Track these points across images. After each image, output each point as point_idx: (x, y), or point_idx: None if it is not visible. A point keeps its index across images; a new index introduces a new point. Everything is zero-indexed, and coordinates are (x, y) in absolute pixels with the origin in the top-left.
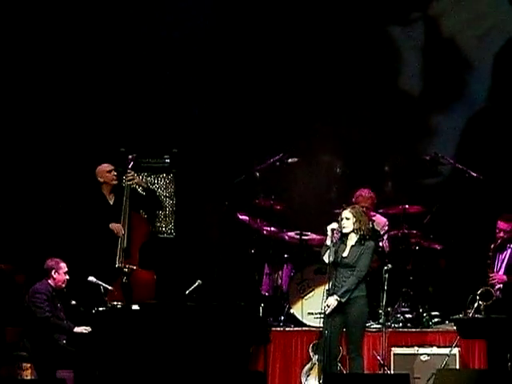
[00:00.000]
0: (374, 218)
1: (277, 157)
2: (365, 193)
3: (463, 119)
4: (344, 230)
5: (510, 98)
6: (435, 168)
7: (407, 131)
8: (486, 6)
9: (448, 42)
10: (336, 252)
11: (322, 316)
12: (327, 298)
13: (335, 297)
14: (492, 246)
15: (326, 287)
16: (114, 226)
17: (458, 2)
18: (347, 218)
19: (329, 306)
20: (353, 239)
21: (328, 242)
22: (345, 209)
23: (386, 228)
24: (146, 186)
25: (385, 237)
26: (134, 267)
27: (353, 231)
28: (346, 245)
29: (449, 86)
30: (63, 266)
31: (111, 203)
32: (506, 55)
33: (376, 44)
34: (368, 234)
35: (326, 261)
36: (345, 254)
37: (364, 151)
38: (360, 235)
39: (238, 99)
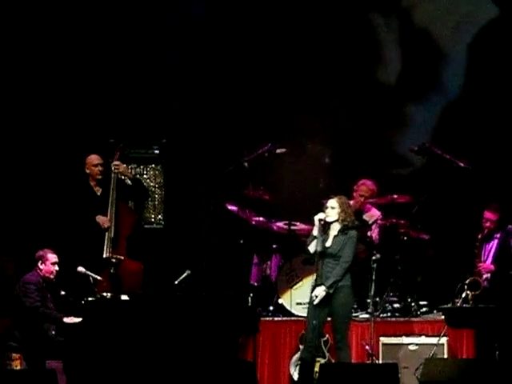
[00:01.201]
0: (369, 211)
1: (265, 147)
2: (369, 184)
3: (438, 109)
4: (328, 219)
5: (485, 87)
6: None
7: (386, 121)
8: None
9: (422, 33)
10: (321, 242)
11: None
12: (314, 289)
13: (323, 287)
14: (479, 235)
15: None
16: (99, 218)
17: None
18: (332, 208)
19: (317, 297)
20: (335, 229)
21: (315, 233)
22: (331, 198)
23: (379, 221)
24: (131, 175)
25: (374, 227)
26: (122, 257)
27: (336, 221)
28: (328, 235)
29: (424, 76)
30: (51, 257)
31: (98, 194)
32: (479, 44)
33: (357, 34)
34: (352, 225)
35: (311, 251)
36: (328, 244)
37: (352, 141)
38: (343, 225)
39: (227, 90)
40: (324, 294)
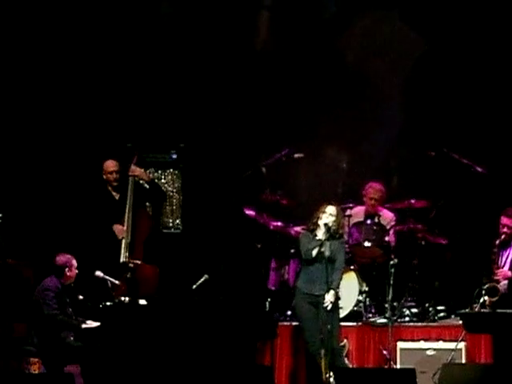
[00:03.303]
0: (381, 213)
1: (283, 152)
2: (375, 185)
3: None
4: (321, 222)
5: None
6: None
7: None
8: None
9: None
10: (320, 246)
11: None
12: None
13: (332, 292)
14: (496, 241)
15: None
16: (116, 228)
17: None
18: (331, 215)
19: (332, 302)
20: (320, 234)
21: (321, 237)
22: (331, 204)
23: (393, 223)
24: (148, 178)
25: (391, 231)
26: (139, 262)
27: (326, 226)
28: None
29: None
30: (75, 262)
31: (117, 198)
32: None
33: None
34: (340, 235)
35: (314, 255)
36: (324, 249)
37: (370, 146)
38: (331, 232)
39: (245, 94)
40: (334, 298)
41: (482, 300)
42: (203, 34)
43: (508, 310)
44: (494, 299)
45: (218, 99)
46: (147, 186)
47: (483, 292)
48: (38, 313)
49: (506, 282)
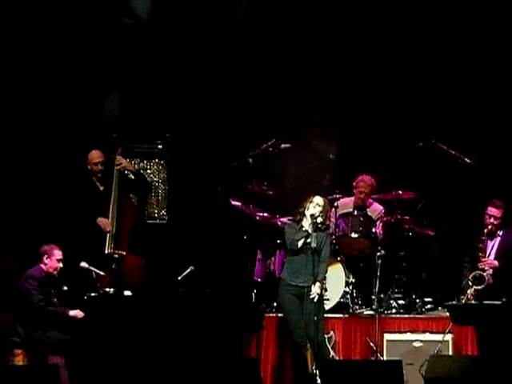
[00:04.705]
0: (370, 206)
1: (269, 143)
2: (367, 179)
3: None
4: (307, 213)
5: None
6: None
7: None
8: None
9: None
10: (305, 238)
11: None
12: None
13: (318, 284)
14: (484, 231)
15: None
16: (101, 221)
17: None
18: (318, 205)
19: (318, 294)
20: (306, 225)
21: (308, 228)
22: (317, 195)
23: (382, 216)
24: (134, 169)
25: (378, 223)
26: (124, 253)
27: (312, 217)
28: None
29: None
30: (57, 253)
31: (101, 189)
32: None
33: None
34: (325, 226)
35: (299, 246)
36: (310, 240)
37: (357, 137)
38: (317, 224)
39: (232, 85)
40: (320, 290)
41: (469, 292)
42: (188, 24)
43: (494, 302)
44: (480, 287)
45: (204, 89)
46: (133, 177)
47: (469, 281)
48: (23, 303)
49: (491, 271)
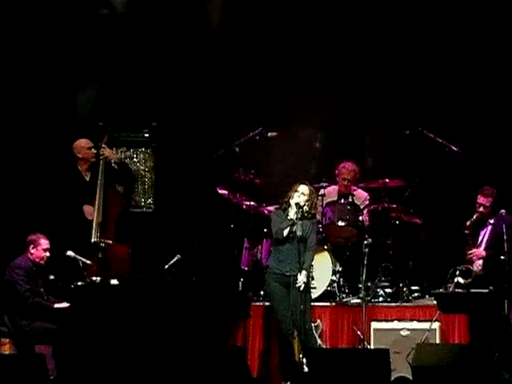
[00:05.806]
0: (354, 193)
1: (256, 131)
2: (348, 165)
3: None
4: (292, 201)
5: None
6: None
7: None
8: None
9: None
10: (291, 226)
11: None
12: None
13: (304, 272)
14: (468, 222)
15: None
16: (86, 208)
17: None
18: (303, 194)
19: (304, 283)
20: (291, 214)
21: (293, 217)
22: (303, 184)
23: (367, 202)
24: (117, 159)
25: (365, 211)
26: (110, 242)
27: (297, 206)
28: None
29: None
30: (44, 242)
31: (87, 179)
32: None
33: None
34: (309, 214)
35: (285, 235)
36: (296, 229)
37: (344, 125)
38: (302, 212)
39: (218, 73)
40: (306, 278)
41: (456, 280)
42: (173, 13)
43: (482, 290)
44: (468, 281)
45: (191, 78)
46: (116, 167)
47: (457, 272)
48: (9, 293)
49: (480, 261)
